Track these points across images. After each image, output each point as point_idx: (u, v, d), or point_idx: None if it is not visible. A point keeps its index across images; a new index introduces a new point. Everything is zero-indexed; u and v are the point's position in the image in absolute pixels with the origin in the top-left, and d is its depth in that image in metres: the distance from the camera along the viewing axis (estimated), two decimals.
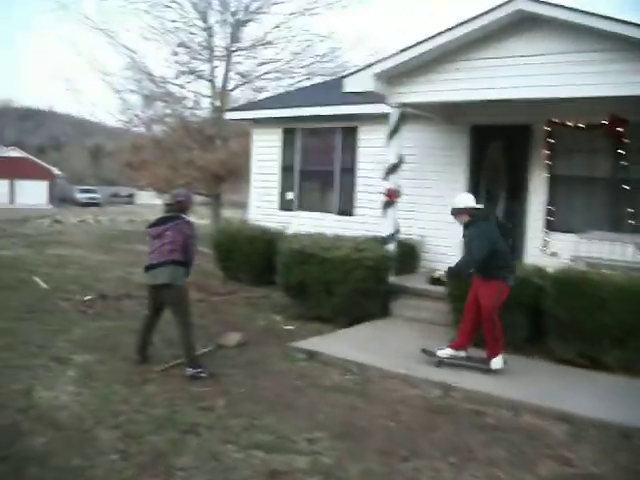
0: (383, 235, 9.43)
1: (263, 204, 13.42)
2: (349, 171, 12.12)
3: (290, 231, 11.81)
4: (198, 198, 49.26)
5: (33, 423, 4.93)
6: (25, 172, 54.95)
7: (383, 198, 9.44)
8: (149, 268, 6.53)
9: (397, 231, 9.56)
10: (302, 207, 12.85)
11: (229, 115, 14.83)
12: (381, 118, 11.21)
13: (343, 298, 8.57)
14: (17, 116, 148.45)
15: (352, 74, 9.39)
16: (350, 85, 9.24)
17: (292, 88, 19.40)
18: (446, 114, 10.55)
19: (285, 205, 13.03)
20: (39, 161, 60.04)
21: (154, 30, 18.92)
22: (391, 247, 9.40)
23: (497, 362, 6.66)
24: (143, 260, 6.94)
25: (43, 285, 10.89)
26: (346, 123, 12.06)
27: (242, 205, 31.72)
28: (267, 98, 15.54)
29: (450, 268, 6.92)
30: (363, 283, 8.52)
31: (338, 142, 12.28)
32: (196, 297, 10.33)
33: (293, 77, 20.78)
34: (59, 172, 60.63)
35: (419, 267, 10.73)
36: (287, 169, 13.01)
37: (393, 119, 9.36)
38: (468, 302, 6.85)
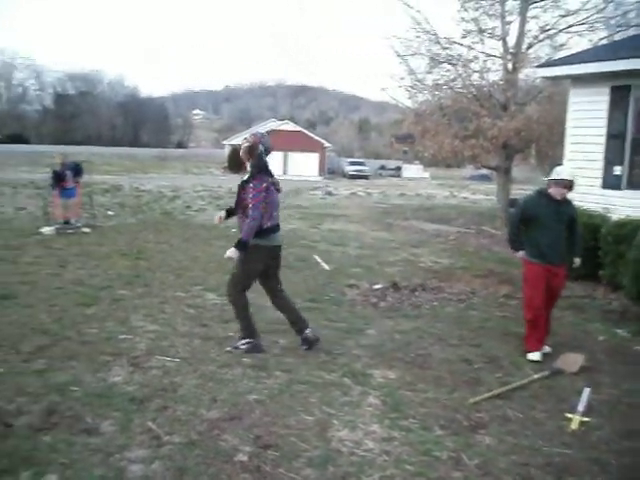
0: None
1: (578, 180, 10.88)
2: None
3: (615, 215, 9.37)
4: (482, 172, 47.23)
5: None
6: (298, 144, 56.91)
7: None
8: None
9: None
10: (634, 186, 10.13)
11: (539, 72, 12.33)
12: None
13: None
14: (290, 92, 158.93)
15: None
16: None
17: (601, 43, 16.25)
18: None
19: (610, 182, 10.35)
20: (311, 134, 61.96)
21: None
22: None
23: None
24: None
25: (325, 266, 9.67)
26: None
27: (527, 181, 29.04)
28: (588, 50, 12.80)
29: None
30: None
31: None
32: (502, 291, 8.45)
33: (598, 30, 17.34)
34: (328, 145, 61.95)
35: None
36: (615, 137, 10.32)
37: None
38: None
